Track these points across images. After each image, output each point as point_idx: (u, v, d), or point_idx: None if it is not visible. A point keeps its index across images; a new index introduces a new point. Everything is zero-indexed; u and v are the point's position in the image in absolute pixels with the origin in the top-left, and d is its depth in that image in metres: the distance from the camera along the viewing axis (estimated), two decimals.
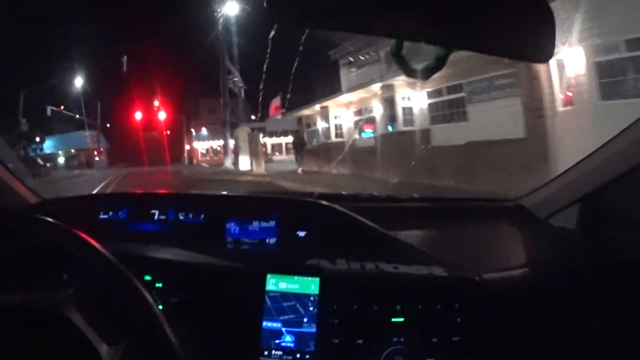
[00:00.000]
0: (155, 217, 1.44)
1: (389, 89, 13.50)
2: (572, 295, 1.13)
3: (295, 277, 1.05)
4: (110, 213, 1.44)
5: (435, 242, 1.35)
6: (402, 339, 1.01)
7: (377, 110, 14.63)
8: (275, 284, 1.06)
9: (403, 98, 13.89)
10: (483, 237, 1.44)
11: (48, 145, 34.90)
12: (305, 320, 1.01)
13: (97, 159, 33.34)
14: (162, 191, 1.68)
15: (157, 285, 1.08)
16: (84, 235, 0.89)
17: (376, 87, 13.56)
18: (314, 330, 0.99)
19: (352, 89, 15.48)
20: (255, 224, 1.37)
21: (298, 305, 1.05)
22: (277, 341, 1.01)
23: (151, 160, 21.07)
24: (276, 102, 19.26)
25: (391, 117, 14.17)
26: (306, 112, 18.49)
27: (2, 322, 0.82)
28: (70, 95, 22.76)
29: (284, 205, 1.44)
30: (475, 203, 1.80)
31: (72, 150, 36.38)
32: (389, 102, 13.82)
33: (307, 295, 1.03)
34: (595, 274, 1.18)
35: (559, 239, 1.37)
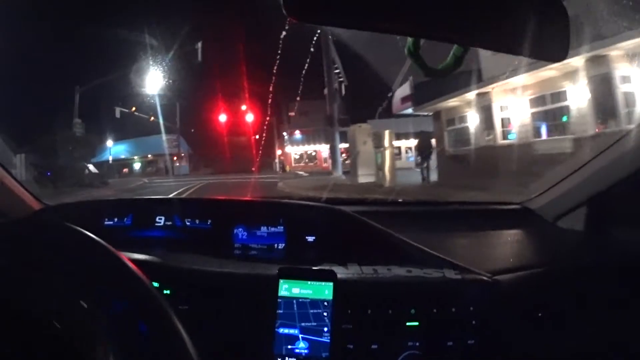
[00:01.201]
0: (162, 223, 1.60)
1: (599, 62, 9.47)
2: (583, 296, 1.28)
3: (309, 283, 1.17)
4: (115, 219, 1.61)
5: (445, 245, 1.48)
6: (417, 343, 1.14)
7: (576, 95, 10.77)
8: (289, 289, 1.17)
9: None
10: (492, 239, 1.65)
11: (121, 150, 34.03)
12: (319, 325, 1.14)
13: (177, 164, 30.84)
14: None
15: (165, 292, 1.17)
16: (90, 234, 0.92)
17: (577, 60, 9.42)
18: (328, 335, 1.12)
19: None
20: (264, 229, 1.54)
21: (312, 311, 1.16)
22: (291, 347, 1.12)
23: (238, 167, 18.62)
24: (403, 90, 16.89)
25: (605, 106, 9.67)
26: (450, 103, 15.37)
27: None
28: (142, 95, 20.21)
29: (292, 209, 1.61)
30: (483, 206, 1.97)
31: (149, 156, 38.13)
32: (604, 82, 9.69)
33: (321, 301, 1.15)
34: (604, 275, 1.35)
35: (567, 241, 1.58)
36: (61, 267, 0.90)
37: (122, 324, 0.84)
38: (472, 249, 1.53)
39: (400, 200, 2.12)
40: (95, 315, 0.85)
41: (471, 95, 14.10)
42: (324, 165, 33.61)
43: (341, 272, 1.21)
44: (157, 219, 1.60)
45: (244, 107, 27.49)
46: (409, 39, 0.88)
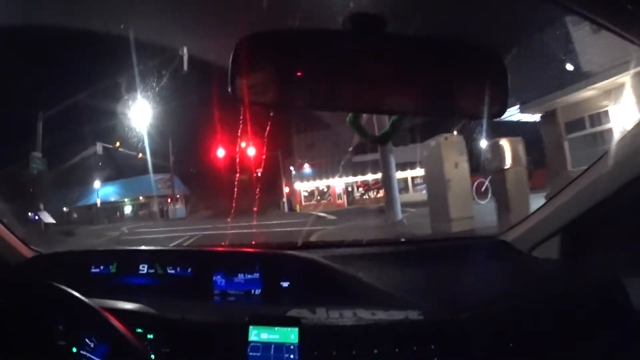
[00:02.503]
0: (145, 271, 1.84)
1: None
2: (553, 327, 1.41)
3: (276, 328, 1.40)
4: (101, 267, 1.88)
5: (413, 285, 1.66)
6: None
7: None
8: (257, 334, 1.41)
9: None
10: (466, 274, 1.78)
11: (110, 192, 32.67)
12: None
13: (172, 207, 29.95)
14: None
15: (148, 336, 1.43)
16: (74, 293, 1.28)
17: None
18: None
19: None
20: (241, 276, 1.77)
21: (279, 354, 1.37)
22: None
23: (242, 208, 17.54)
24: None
25: None
26: (580, 95, 11.52)
27: None
28: (128, 128, 18.87)
29: (268, 258, 1.84)
30: (458, 242, 2.18)
31: (141, 198, 37.75)
32: None
33: (288, 345, 1.37)
34: (578, 301, 1.51)
35: (541, 271, 1.74)
36: (44, 315, 1.35)
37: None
38: (442, 286, 1.68)
39: (377, 240, 2.38)
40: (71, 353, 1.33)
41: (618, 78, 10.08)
42: (339, 201, 32.70)
43: (309, 317, 1.45)
44: (140, 267, 1.85)
45: (244, 144, 26.58)
46: (350, 113, 1.13)
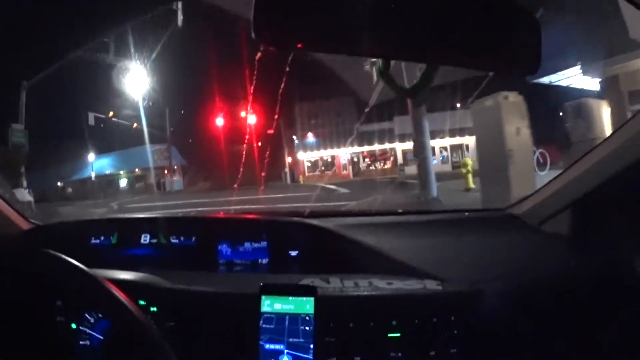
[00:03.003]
0: (147, 241, 1.82)
1: None
2: (566, 302, 1.41)
3: (290, 298, 1.34)
4: (102, 238, 1.85)
5: (428, 255, 1.67)
6: (399, 354, 1.31)
7: None
8: (270, 305, 1.35)
9: None
10: (476, 247, 1.78)
11: (105, 165, 32.45)
12: (302, 339, 1.30)
13: (169, 179, 29.32)
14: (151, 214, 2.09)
15: (152, 309, 1.38)
16: (75, 262, 1.20)
17: None
18: (311, 349, 1.28)
19: None
20: (247, 245, 1.74)
21: (294, 326, 1.32)
22: None
23: (242, 179, 17.21)
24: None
25: None
26: None
27: None
28: (122, 97, 18.31)
29: (275, 226, 1.81)
30: (466, 214, 2.19)
31: (137, 170, 36.98)
32: None
33: (303, 315, 1.32)
34: (588, 279, 1.51)
35: (551, 246, 1.74)
36: (41, 290, 1.29)
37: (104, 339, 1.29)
38: (455, 258, 1.67)
39: (384, 211, 2.35)
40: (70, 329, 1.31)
41: None
42: (343, 172, 32.58)
43: (323, 286, 1.42)
44: (142, 237, 1.82)
45: (244, 113, 25.93)
46: (379, 60, 1.10)
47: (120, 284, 1.24)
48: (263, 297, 1.34)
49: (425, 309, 1.36)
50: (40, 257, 1.23)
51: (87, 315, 1.34)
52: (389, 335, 1.30)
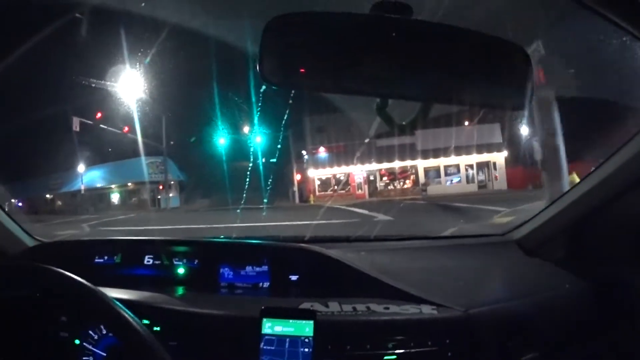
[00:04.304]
0: (150, 262, 1.98)
1: None
2: (560, 324, 1.60)
3: (290, 321, 1.49)
4: (106, 257, 2.01)
5: (425, 281, 1.82)
6: None
7: None
8: (271, 327, 1.51)
9: None
10: (473, 273, 1.94)
11: (96, 177, 32.31)
12: None
13: (166, 195, 29.35)
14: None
15: (155, 329, 1.52)
16: (82, 280, 1.29)
17: None
18: None
19: None
20: (249, 268, 1.90)
21: (294, 348, 1.47)
22: None
23: (246, 197, 17.12)
24: None
25: None
26: None
27: None
28: (112, 99, 18.20)
29: (276, 251, 1.99)
30: (465, 239, 2.33)
31: (130, 184, 36.67)
32: None
33: (303, 338, 1.47)
34: (583, 302, 1.71)
35: (547, 270, 1.92)
36: (47, 305, 1.43)
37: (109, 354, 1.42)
38: (452, 283, 1.85)
39: (383, 236, 2.60)
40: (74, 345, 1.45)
41: None
42: (358, 192, 32.06)
43: (322, 310, 1.58)
44: (145, 259, 1.99)
45: (249, 126, 25.67)
46: (377, 99, 1.23)
47: (125, 302, 1.37)
48: (264, 320, 1.51)
49: (421, 333, 1.52)
50: (48, 274, 1.33)
51: (90, 331, 1.46)
52: (385, 358, 1.46)
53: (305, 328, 1.47)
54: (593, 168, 1.79)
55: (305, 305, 1.62)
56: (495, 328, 1.55)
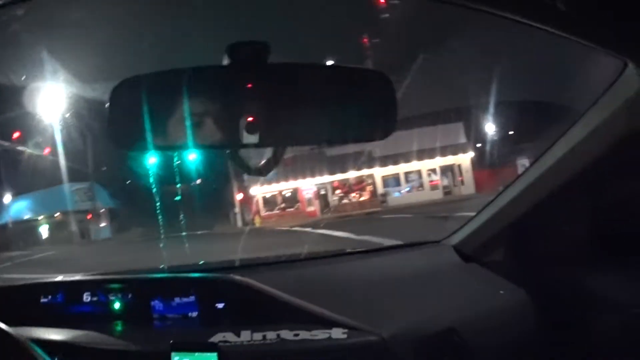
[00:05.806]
0: (89, 299, 2.27)
1: None
2: (500, 337, 1.69)
3: (196, 354, 1.70)
4: (50, 297, 2.28)
5: (346, 299, 1.94)
6: None
7: None
8: None
9: None
10: (402, 286, 2.02)
11: (23, 208, 31.62)
12: None
13: (98, 224, 28.71)
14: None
15: None
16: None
17: None
18: None
19: None
20: (177, 300, 2.17)
21: None
22: None
23: (183, 224, 20.86)
24: None
25: None
26: None
27: None
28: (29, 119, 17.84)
29: (201, 282, 2.26)
30: (400, 249, 2.52)
31: (57, 214, 34.96)
32: None
33: None
34: (523, 309, 1.79)
35: (486, 276, 2.01)
36: None
37: None
38: (375, 300, 1.92)
39: (318, 253, 2.83)
40: None
41: None
42: (309, 209, 31.21)
43: (232, 341, 1.81)
44: (84, 296, 2.28)
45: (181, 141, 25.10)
46: (228, 152, 1.29)
47: (41, 342, 1.61)
48: (173, 354, 1.75)
49: (330, 357, 1.70)
50: None
51: None
52: None
53: None
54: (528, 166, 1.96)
55: (218, 336, 1.85)
56: (418, 352, 1.62)
